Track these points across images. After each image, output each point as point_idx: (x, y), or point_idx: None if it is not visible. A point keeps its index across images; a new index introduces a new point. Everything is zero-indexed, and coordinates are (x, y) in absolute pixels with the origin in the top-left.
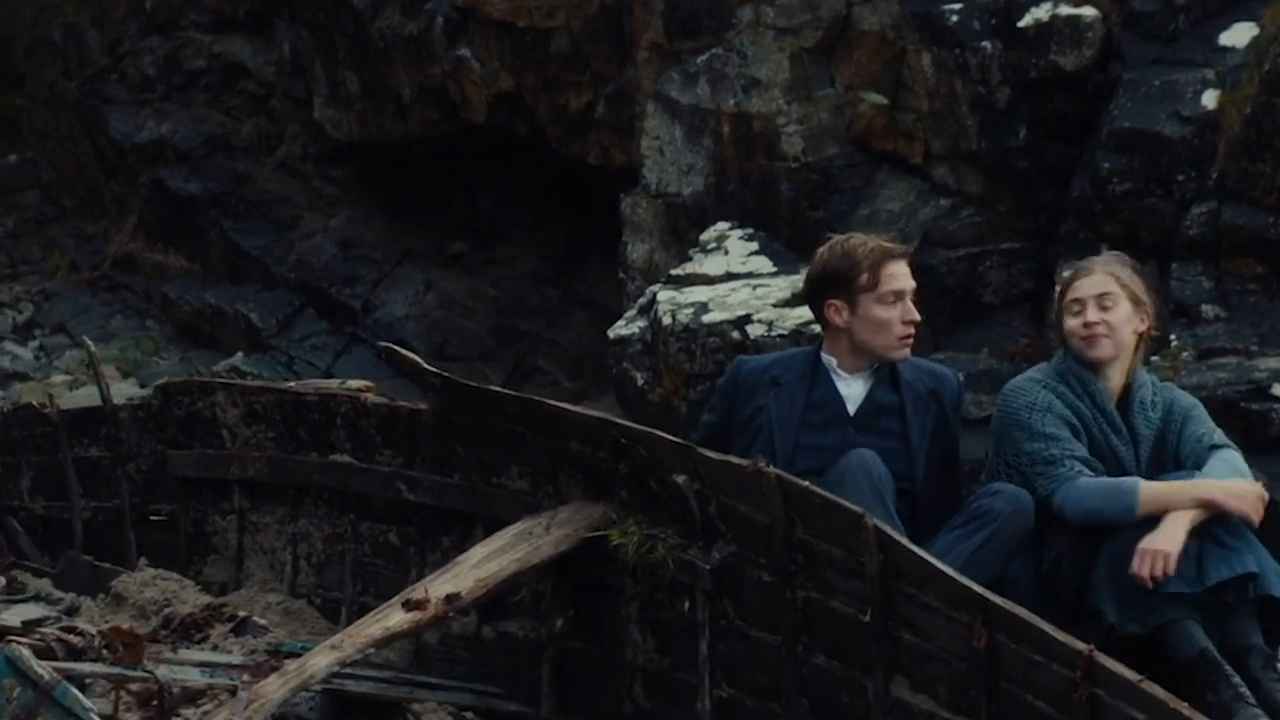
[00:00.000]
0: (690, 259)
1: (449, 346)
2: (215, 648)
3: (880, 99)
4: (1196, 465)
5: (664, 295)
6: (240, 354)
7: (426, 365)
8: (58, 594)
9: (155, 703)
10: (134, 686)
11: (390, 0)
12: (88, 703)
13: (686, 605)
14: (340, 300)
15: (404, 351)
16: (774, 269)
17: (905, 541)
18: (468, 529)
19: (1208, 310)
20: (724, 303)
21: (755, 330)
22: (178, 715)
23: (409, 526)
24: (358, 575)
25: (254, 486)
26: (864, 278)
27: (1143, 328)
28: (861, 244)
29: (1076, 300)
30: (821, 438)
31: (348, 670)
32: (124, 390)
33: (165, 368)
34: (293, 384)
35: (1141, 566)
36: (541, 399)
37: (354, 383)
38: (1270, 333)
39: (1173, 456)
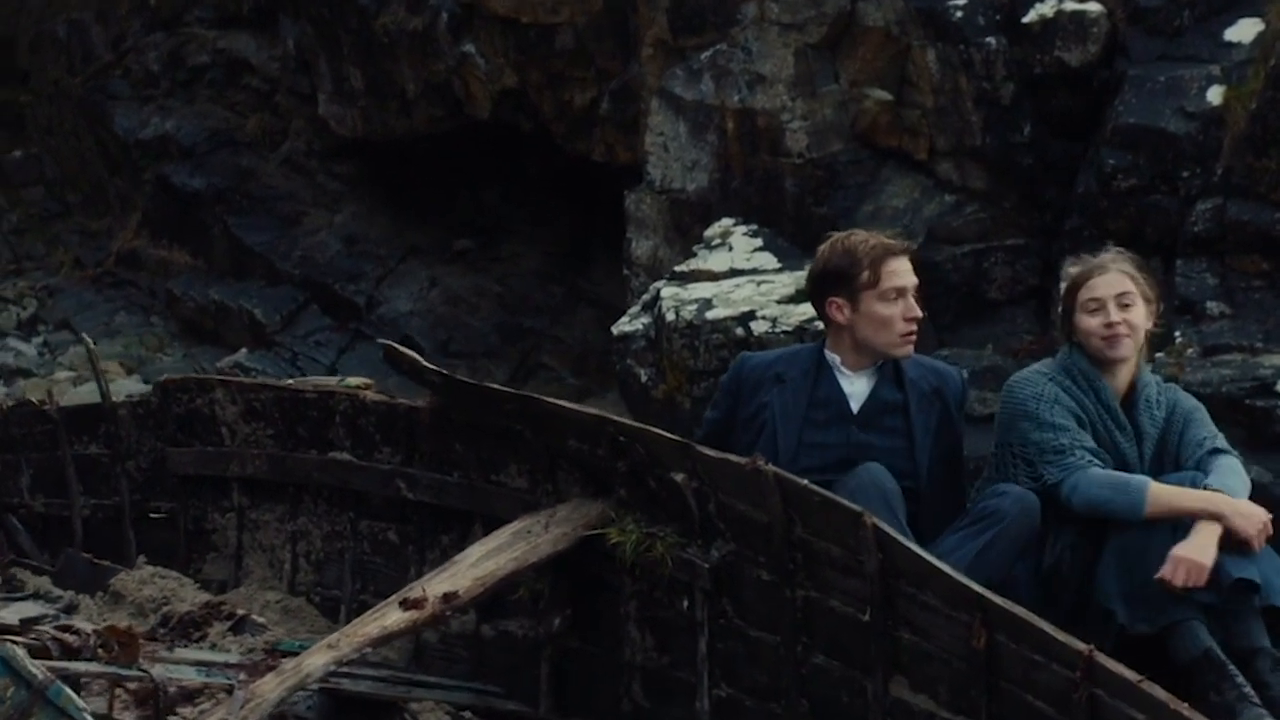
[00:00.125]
0: (694, 255)
1: (453, 343)
2: (213, 646)
3: (885, 95)
4: (1197, 468)
5: (668, 292)
6: (244, 350)
7: (425, 363)
8: (57, 592)
9: (151, 702)
10: (130, 685)
11: None
12: (81, 702)
13: (685, 604)
14: (344, 297)
15: (403, 349)
16: (778, 265)
17: (904, 540)
18: (466, 527)
19: (1212, 307)
20: (728, 299)
21: (759, 327)
22: (174, 714)
23: (408, 524)
24: (357, 573)
25: (253, 484)
26: (865, 275)
27: (1151, 326)
28: (862, 241)
29: (1095, 299)
30: (825, 435)
31: (345, 669)
32: (128, 387)
33: (169, 364)
34: (291, 381)
35: (1176, 574)
36: (540, 396)
37: (353, 380)
38: (1275, 330)
39: (1173, 457)
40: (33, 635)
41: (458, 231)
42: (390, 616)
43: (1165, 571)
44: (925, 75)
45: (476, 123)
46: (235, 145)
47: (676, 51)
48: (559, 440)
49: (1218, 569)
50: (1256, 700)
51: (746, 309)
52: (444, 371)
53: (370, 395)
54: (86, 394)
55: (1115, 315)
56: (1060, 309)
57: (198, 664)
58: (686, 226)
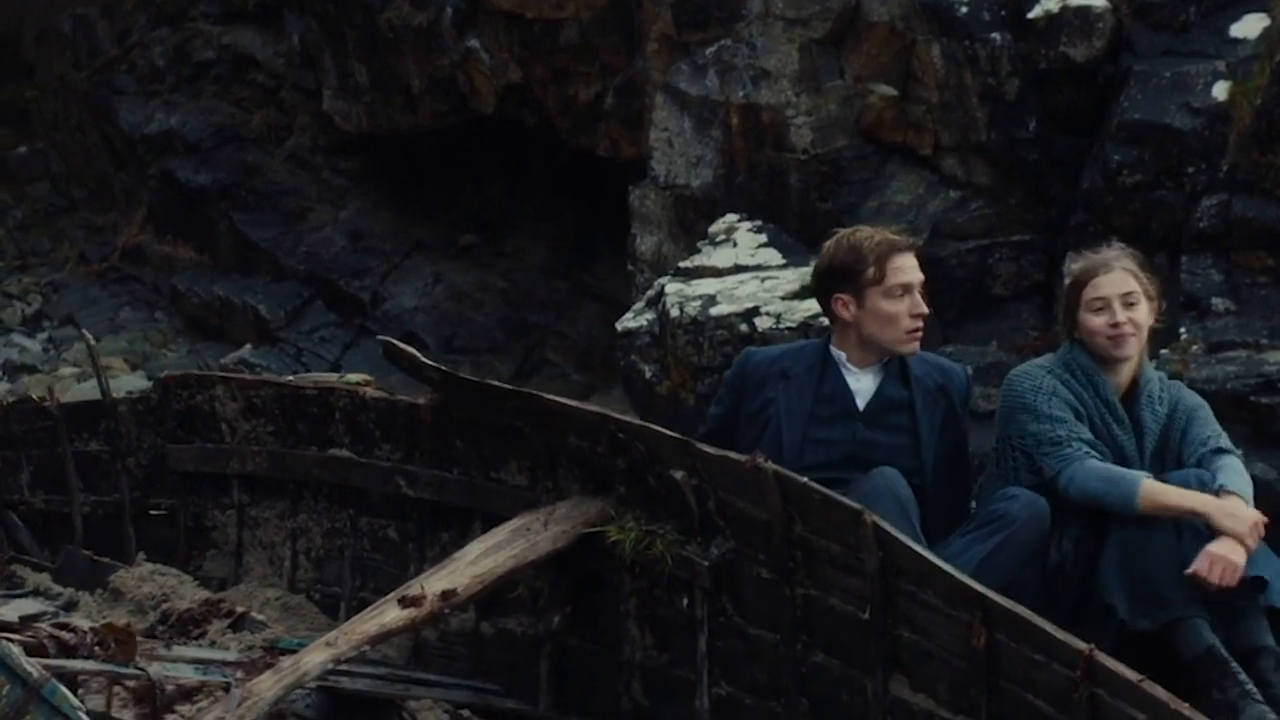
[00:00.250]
0: (699, 251)
1: (458, 339)
2: (212, 644)
3: (890, 90)
4: (1199, 465)
5: (672, 288)
6: (249, 346)
7: (425, 360)
8: (57, 589)
9: (149, 700)
10: (129, 684)
11: None
12: (76, 701)
13: (685, 602)
14: (349, 292)
15: (402, 345)
16: (783, 261)
17: (904, 538)
18: (466, 524)
19: (1218, 303)
20: (732, 295)
21: (763, 323)
22: (173, 712)
23: (408, 521)
24: (357, 570)
25: (253, 481)
26: (870, 271)
27: (1152, 323)
28: (868, 238)
29: (1100, 298)
30: (830, 432)
31: (343, 667)
32: (133, 383)
33: (174, 360)
34: (291, 377)
35: (1211, 572)
36: (540, 394)
37: (353, 376)
38: None
39: (1175, 454)
40: (29, 633)
41: (462, 227)
42: (388, 614)
43: (1200, 568)
44: (930, 71)
45: (481, 118)
46: (240, 141)
47: (681, 46)
48: (559, 437)
49: None
50: (1259, 697)
51: (751, 305)
52: (443, 368)
53: (370, 392)
54: (90, 390)
55: (1121, 315)
56: (1063, 306)
57: (195, 662)
58: (691, 222)
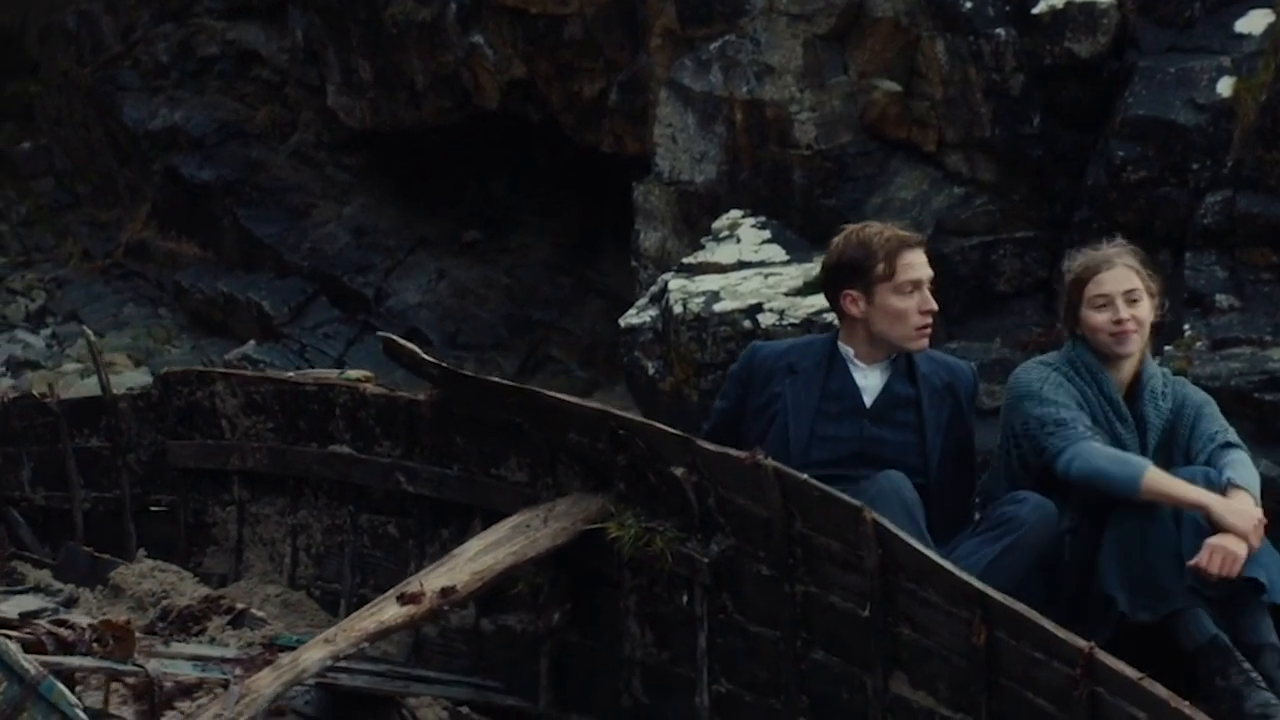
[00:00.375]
0: (702, 247)
1: (462, 335)
2: (212, 640)
3: (894, 86)
4: (1208, 462)
5: (675, 284)
6: (252, 342)
7: (425, 356)
8: (57, 585)
9: (148, 697)
10: (128, 680)
11: None
12: (73, 698)
13: (685, 599)
14: (353, 288)
15: (402, 341)
16: (786, 257)
17: (904, 536)
18: (466, 520)
19: (1222, 300)
20: (735, 291)
21: (767, 319)
22: (171, 709)
23: (408, 518)
24: (357, 567)
25: (253, 477)
26: (880, 267)
27: (1154, 319)
28: (878, 233)
29: (1102, 295)
30: (837, 428)
31: (342, 664)
32: (136, 379)
33: (177, 356)
34: (291, 374)
35: (1211, 562)
36: (540, 390)
37: (353, 373)
38: None
39: (1183, 451)
40: (27, 630)
41: (466, 223)
42: (387, 611)
43: (1201, 559)
44: (934, 66)
45: (485, 114)
46: (244, 137)
47: (685, 42)
48: (559, 434)
49: None
50: (1263, 684)
51: (754, 301)
52: (443, 364)
53: (370, 388)
54: (94, 386)
55: (1124, 312)
56: (1064, 303)
57: (194, 659)
58: (695, 218)
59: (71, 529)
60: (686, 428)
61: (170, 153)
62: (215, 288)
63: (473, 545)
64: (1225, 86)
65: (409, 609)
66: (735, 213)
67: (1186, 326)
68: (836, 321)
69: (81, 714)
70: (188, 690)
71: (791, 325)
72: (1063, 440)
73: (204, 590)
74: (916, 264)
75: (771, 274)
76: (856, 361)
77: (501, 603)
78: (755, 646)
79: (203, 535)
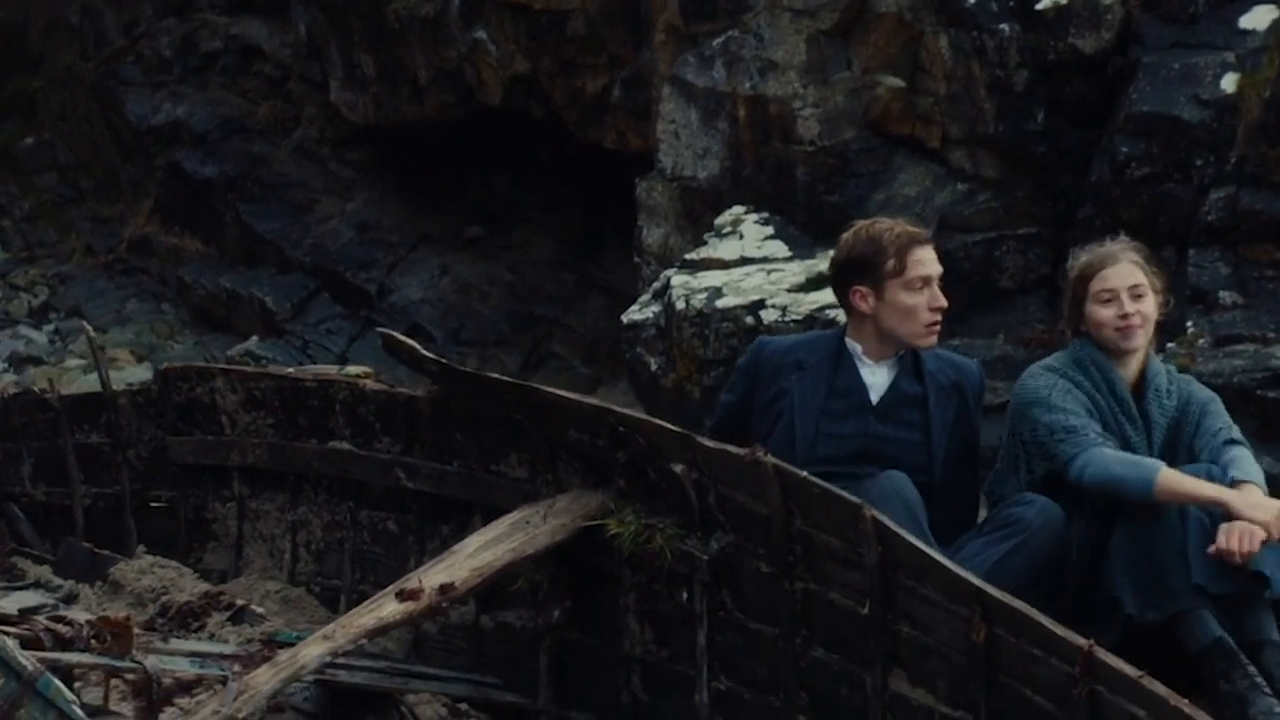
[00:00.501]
0: (705, 243)
1: (464, 331)
2: (212, 636)
3: (897, 82)
4: (1212, 459)
5: (678, 280)
6: (255, 338)
7: (424, 352)
8: (57, 581)
9: (146, 693)
10: (127, 676)
11: None
12: (70, 694)
13: (684, 596)
14: (356, 284)
15: (401, 337)
16: (789, 254)
17: (904, 533)
18: (466, 517)
19: (1225, 296)
20: (738, 287)
21: (769, 315)
22: (170, 705)
23: (408, 514)
24: (356, 563)
25: (253, 473)
26: (890, 263)
27: (1158, 316)
28: (887, 229)
29: (1108, 290)
30: (843, 426)
31: (341, 660)
32: (139, 375)
33: (180, 351)
34: (291, 370)
35: (1232, 541)
36: (540, 386)
37: (353, 369)
38: None
39: (1187, 448)
40: (25, 626)
41: (469, 219)
42: (386, 608)
43: (1220, 543)
44: (938, 62)
45: (488, 109)
46: (247, 132)
47: (688, 38)
48: (559, 430)
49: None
50: (1268, 690)
51: (756, 297)
52: (443, 360)
53: (370, 384)
54: (96, 382)
55: (1129, 307)
56: (1068, 300)
57: (193, 655)
58: (697, 214)
59: (71, 525)
60: (689, 423)
61: (173, 148)
62: (218, 283)
63: (472, 541)
64: (1229, 82)
65: (408, 605)
66: (738, 209)
67: (1189, 323)
68: (841, 318)
69: (79, 710)
70: (186, 686)
71: (794, 321)
72: (1074, 447)
73: (204, 586)
74: (927, 260)
75: (774, 270)
76: (864, 358)
77: (501, 599)
78: (755, 644)
79: (202, 531)
